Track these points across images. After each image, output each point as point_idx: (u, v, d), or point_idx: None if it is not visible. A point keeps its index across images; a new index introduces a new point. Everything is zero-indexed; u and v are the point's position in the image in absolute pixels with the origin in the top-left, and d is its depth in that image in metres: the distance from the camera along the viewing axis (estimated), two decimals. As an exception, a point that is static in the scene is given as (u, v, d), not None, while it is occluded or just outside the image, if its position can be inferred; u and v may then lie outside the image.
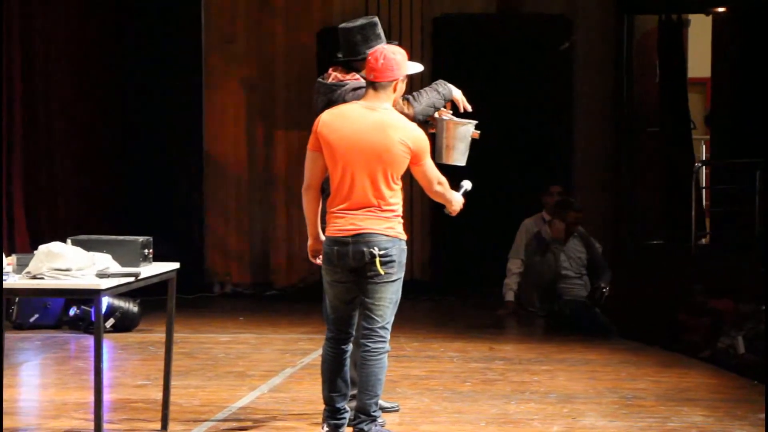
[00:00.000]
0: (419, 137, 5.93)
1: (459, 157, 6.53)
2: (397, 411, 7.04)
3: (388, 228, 5.87)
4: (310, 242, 6.14)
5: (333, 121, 5.92)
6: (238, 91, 13.45)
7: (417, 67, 6.15)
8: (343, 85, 6.40)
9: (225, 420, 6.87)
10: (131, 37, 13.06)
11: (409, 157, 5.89)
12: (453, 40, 13.36)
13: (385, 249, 5.83)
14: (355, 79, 6.44)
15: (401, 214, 5.96)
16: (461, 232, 13.31)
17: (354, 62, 6.47)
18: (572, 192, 12.61)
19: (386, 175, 5.86)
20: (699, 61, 14.98)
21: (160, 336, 9.08)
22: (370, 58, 5.94)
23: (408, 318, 11.03)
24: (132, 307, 10.13)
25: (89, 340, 9.55)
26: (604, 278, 10.74)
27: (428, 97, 6.51)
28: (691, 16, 14.76)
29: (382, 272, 5.83)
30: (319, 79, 6.56)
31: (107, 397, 7.19)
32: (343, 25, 6.60)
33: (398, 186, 5.93)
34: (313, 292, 12.47)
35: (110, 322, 9.92)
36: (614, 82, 13.40)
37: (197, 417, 6.91)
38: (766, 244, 11.39)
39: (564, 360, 8.92)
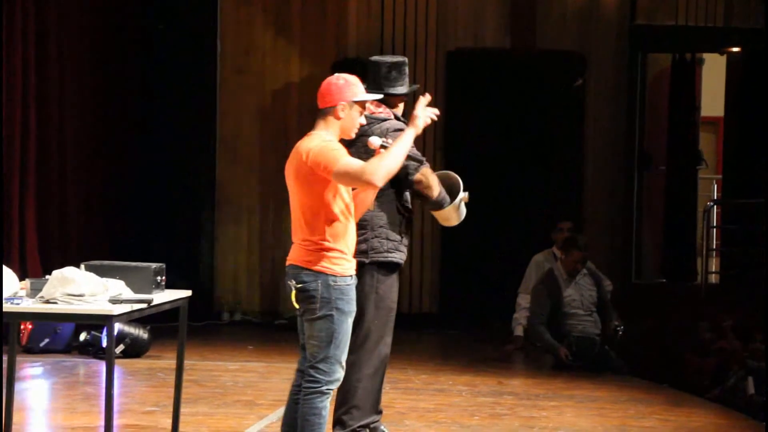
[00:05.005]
0: (310, 149, 5.54)
1: (455, 223, 6.69)
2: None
3: (309, 261, 5.60)
4: None
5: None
6: (251, 120, 13.50)
7: (371, 97, 5.89)
8: (381, 120, 6.40)
9: (233, 448, 6.89)
10: (145, 65, 13.12)
11: (312, 174, 5.53)
12: (467, 74, 13.40)
13: (303, 283, 5.59)
14: (387, 113, 6.50)
15: (333, 246, 5.60)
16: (470, 265, 13.32)
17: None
18: (582, 228, 12.62)
19: (304, 204, 5.62)
20: (712, 101, 15.03)
21: (169, 363, 9.10)
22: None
23: (416, 351, 11.04)
24: (142, 333, 10.14)
25: (98, 366, 9.58)
26: (614, 317, 10.70)
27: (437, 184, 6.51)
28: (705, 55, 14.82)
29: (296, 306, 5.68)
30: None
31: (116, 422, 7.15)
32: (375, 58, 6.67)
33: (323, 215, 5.59)
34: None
35: (120, 348, 9.92)
36: (626, 119, 13.43)
37: (205, 445, 6.92)
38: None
39: (572, 396, 8.91)
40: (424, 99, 5.71)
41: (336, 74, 5.82)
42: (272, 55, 13.45)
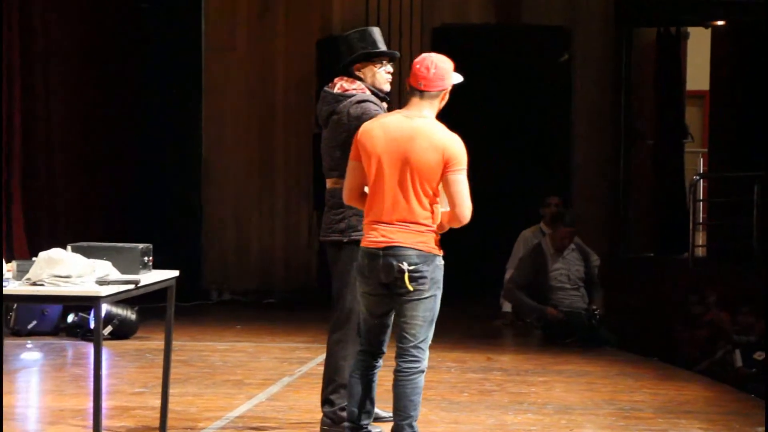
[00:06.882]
0: (454, 144, 5.61)
1: None
2: (393, 421, 7.02)
3: (420, 243, 5.57)
4: None
5: (372, 129, 5.66)
6: (237, 98, 13.46)
7: (458, 78, 5.85)
8: (350, 96, 6.33)
9: (222, 428, 6.86)
10: (131, 42, 13.06)
11: (442, 165, 5.56)
12: (452, 50, 13.18)
13: (415, 264, 5.55)
14: (360, 90, 6.41)
15: (434, 229, 5.63)
16: (458, 242, 13.29)
17: (351, 67, 6.45)
18: (570, 203, 12.62)
19: (417, 186, 5.57)
20: (697, 74, 15.03)
21: (157, 343, 9.09)
22: (418, 66, 5.65)
23: (405, 328, 11.04)
24: (130, 314, 10.13)
25: (87, 347, 9.57)
26: (596, 299, 10.73)
27: None
28: (690, 29, 14.82)
29: (410, 288, 5.57)
30: (325, 88, 6.47)
31: (105, 404, 7.17)
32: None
33: (432, 198, 5.62)
34: (311, 300, 12.54)
35: (108, 329, 9.91)
36: (613, 94, 13.43)
37: (194, 425, 6.91)
38: (763, 257, 11.41)
39: (561, 371, 8.92)
40: None
41: (437, 56, 5.74)
42: (257, 32, 13.40)
